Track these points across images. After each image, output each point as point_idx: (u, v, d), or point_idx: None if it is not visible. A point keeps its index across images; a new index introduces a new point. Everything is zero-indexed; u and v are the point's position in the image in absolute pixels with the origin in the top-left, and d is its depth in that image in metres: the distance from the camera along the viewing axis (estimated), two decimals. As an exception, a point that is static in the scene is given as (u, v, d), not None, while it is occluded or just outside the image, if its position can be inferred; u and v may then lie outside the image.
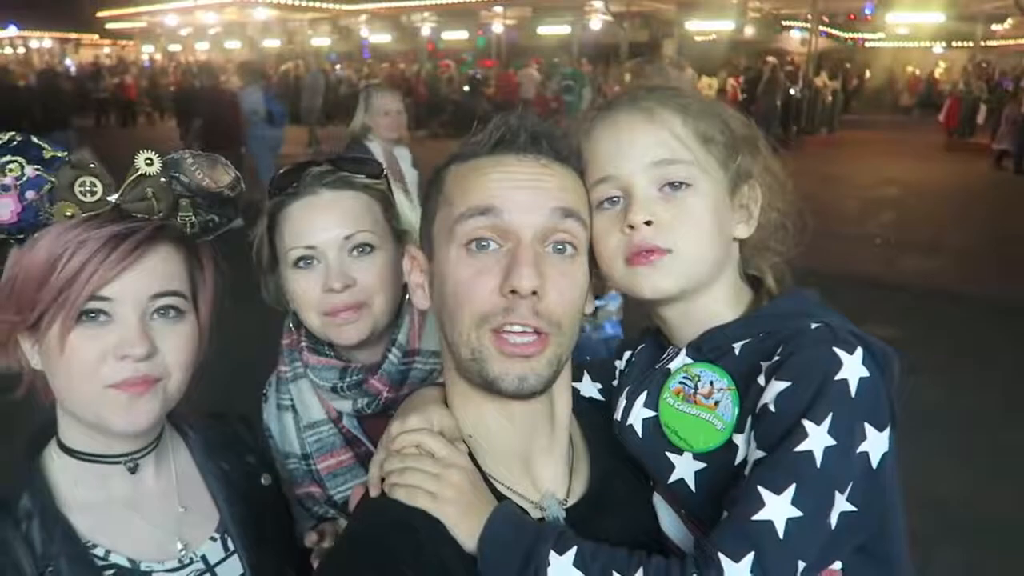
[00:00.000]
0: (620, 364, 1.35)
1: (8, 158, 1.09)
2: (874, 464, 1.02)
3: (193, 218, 1.20)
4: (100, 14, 38.21)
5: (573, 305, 1.08)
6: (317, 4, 31.01)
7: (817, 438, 0.97)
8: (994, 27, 24.48)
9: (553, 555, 0.99)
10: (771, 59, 19.80)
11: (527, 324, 1.03)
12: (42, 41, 43.68)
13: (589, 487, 1.19)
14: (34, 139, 1.12)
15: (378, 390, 1.52)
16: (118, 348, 1.12)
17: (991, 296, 7.50)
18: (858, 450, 1.00)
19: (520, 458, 1.14)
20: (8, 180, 1.09)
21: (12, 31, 41.57)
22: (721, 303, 1.16)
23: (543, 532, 1.02)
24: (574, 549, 0.99)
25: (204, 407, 1.38)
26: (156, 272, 1.15)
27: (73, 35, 43.66)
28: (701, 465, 1.11)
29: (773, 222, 1.19)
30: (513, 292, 1.02)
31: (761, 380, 1.05)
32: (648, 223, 1.09)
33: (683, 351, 1.18)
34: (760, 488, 0.97)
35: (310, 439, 1.57)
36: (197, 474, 1.35)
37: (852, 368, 1.00)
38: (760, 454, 1.01)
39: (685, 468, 1.12)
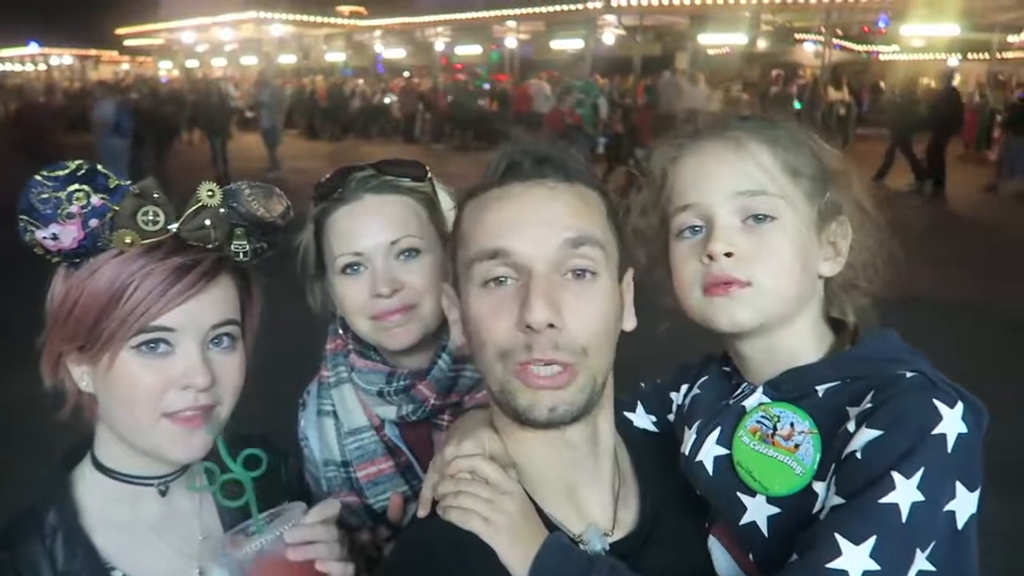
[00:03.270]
0: (677, 397, 1.30)
1: (76, 187, 1.10)
2: (960, 525, 0.97)
3: (247, 247, 1.21)
4: (119, 31, 38.81)
5: (598, 328, 1.06)
6: (332, 20, 31.33)
7: (905, 492, 0.92)
8: (1010, 38, 24.28)
9: None
10: (777, 71, 19.63)
11: (550, 360, 1.02)
12: (62, 58, 44.37)
13: (639, 520, 1.16)
14: (99, 168, 1.14)
15: (425, 396, 1.50)
16: (182, 378, 1.13)
17: (1009, 309, 7.44)
18: (945, 508, 0.96)
19: (563, 487, 1.13)
20: (74, 208, 1.10)
21: (33, 48, 42.26)
22: (802, 341, 1.12)
23: (594, 565, 1.01)
24: None
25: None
26: (217, 303, 1.17)
27: (93, 52, 44.34)
28: (776, 510, 1.06)
29: (862, 260, 1.14)
30: (529, 327, 1.01)
31: (850, 426, 1.00)
32: (728, 255, 1.06)
33: (759, 389, 1.13)
34: (838, 535, 0.92)
35: (351, 446, 1.56)
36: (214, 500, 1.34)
37: (951, 423, 0.95)
38: (839, 500, 0.96)
39: (758, 511, 1.08)
